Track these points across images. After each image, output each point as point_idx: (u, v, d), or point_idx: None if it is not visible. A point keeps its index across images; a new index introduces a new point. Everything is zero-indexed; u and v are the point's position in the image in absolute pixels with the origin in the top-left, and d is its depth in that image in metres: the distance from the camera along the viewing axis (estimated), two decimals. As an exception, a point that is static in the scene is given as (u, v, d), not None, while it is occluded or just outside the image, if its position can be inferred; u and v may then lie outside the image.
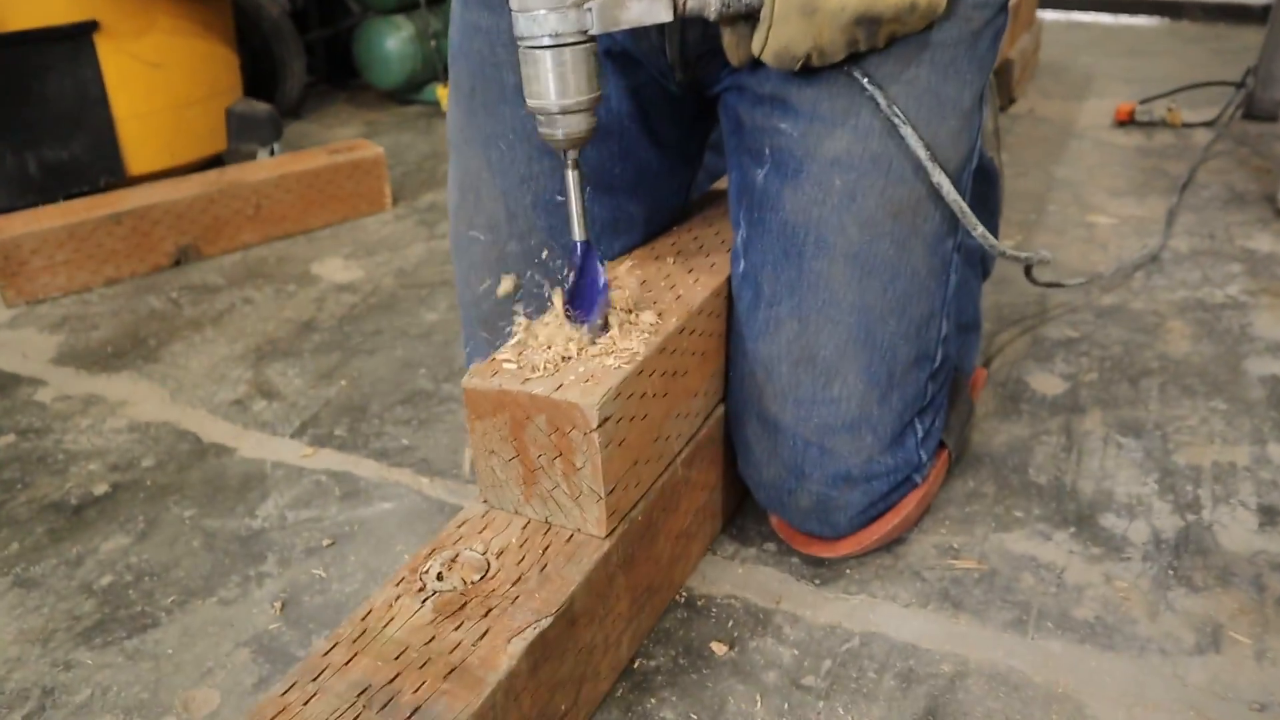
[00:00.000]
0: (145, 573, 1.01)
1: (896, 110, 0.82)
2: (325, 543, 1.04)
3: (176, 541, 1.05)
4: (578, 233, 0.80)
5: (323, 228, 1.88)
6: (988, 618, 0.90)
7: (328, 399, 1.30)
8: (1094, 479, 1.08)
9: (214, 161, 2.09)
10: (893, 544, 0.99)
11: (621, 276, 0.93)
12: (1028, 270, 1.30)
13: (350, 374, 1.36)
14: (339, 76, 2.88)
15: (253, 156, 2.08)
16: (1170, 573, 0.94)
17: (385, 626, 0.71)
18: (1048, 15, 3.55)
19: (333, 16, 2.75)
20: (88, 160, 1.87)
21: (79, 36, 1.78)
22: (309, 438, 1.22)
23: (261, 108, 2.08)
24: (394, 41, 2.54)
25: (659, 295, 0.89)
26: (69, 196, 1.84)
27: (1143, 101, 2.34)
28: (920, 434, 0.94)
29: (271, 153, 2.08)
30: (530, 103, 0.77)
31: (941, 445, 1.00)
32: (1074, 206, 1.83)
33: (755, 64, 0.84)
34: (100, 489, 1.14)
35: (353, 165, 1.88)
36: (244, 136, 2.08)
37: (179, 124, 1.96)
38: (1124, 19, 3.53)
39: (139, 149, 1.92)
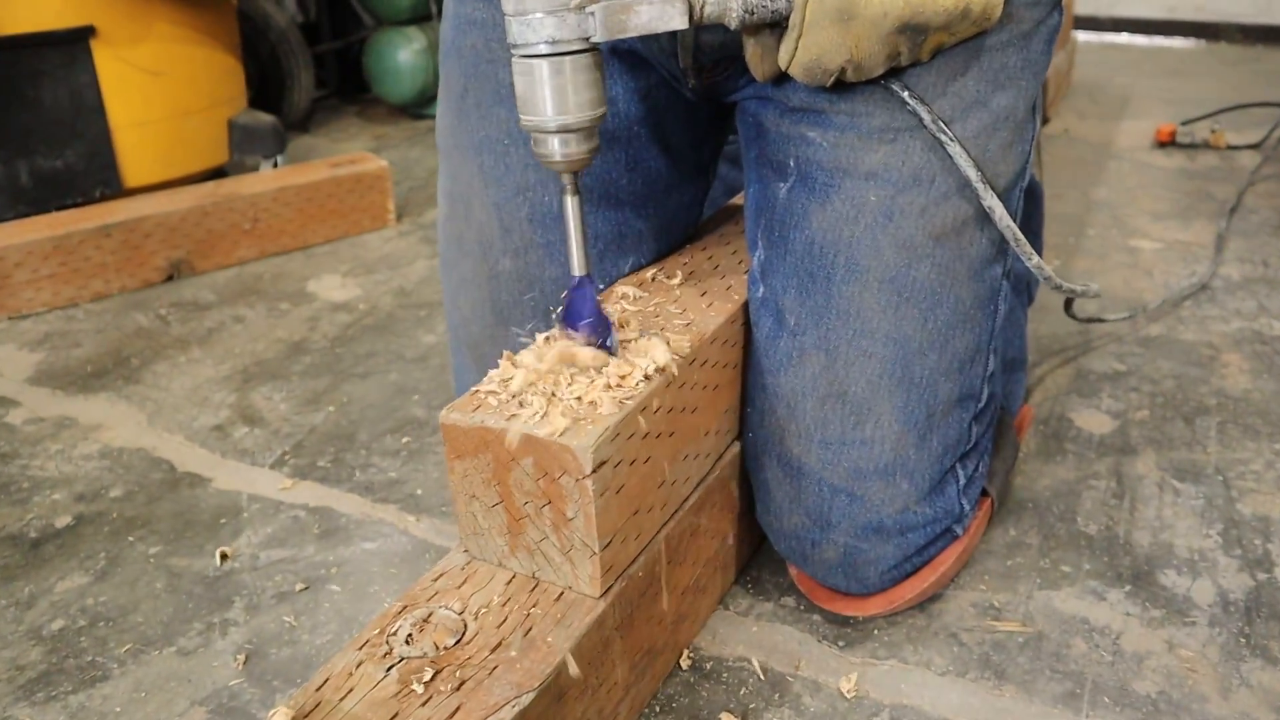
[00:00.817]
0: (101, 617, 0.92)
1: (944, 127, 0.73)
2: (298, 587, 0.94)
3: (138, 582, 0.96)
4: (577, 266, 0.71)
5: (322, 244, 1.80)
6: (1035, 690, 0.79)
7: (313, 426, 1.21)
8: (1150, 529, 0.97)
9: (215, 174, 2.02)
10: (927, 602, 0.88)
11: (626, 299, 0.83)
12: (1068, 304, 1.20)
13: (339, 399, 1.27)
14: (350, 90, 2.81)
15: (256, 169, 2.01)
16: (1242, 641, 0.83)
17: (343, 699, 0.62)
18: (1081, 36, 3.45)
19: (345, 28, 2.69)
20: (82, 170, 1.79)
21: (74, 42, 1.71)
22: (290, 468, 1.12)
23: (265, 119, 2.01)
24: (406, 54, 2.46)
25: (667, 321, 0.79)
26: (62, 208, 1.77)
27: (1184, 123, 2.23)
28: (962, 481, 0.84)
29: (275, 166, 2.01)
30: (524, 119, 0.68)
31: (984, 493, 0.90)
32: (1115, 230, 1.72)
33: (781, 77, 0.74)
34: (63, 521, 1.05)
35: (355, 179, 1.80)
36: (246, 148, 2.00)
37: (178, 134, 1.88)
38: (1160, 40, 3.43)
39: (136, 160, 1.84)
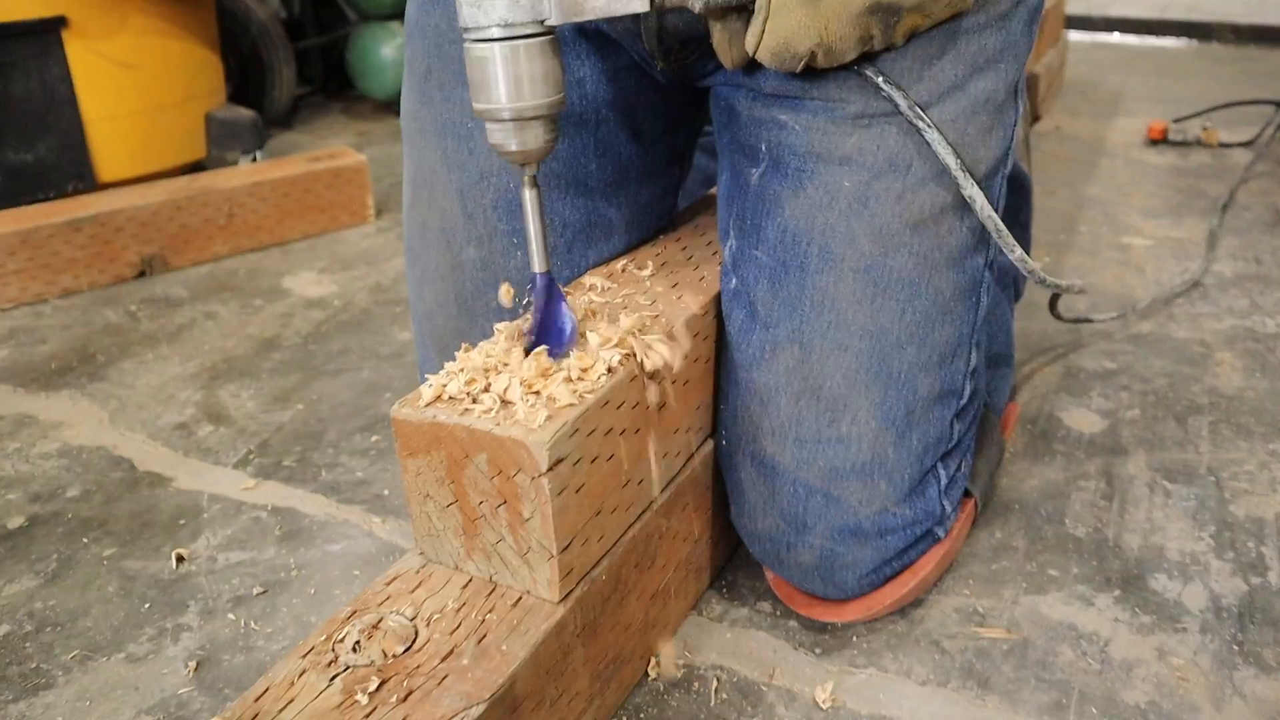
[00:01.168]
0: (49, 622, 0.88)
1: (920, 113, 0.70)
2: (256, 591, 0.90)
3: (89, 585, 0.92)
4: (537, 264, 0.67)
5: (299, 239, 1.75)
6: (1020, 700, 0.76)
7: (280, 424, 1.17)
8: (1140, 532, 0.94)
9: (193, 170, 1.98)
10: (908, 607, 0.85)
11: (594, 291, 0.80)
12: (1053, 303, 1.17)
13: (309, 397, 1.23)
14: (334, 87, 2.77)
15: (235, 165, 1.97)
16: (1235, 648, 0.80)
17: (282, 710, 0.58)
18: (1073, 35, 3.42)
19: (329, 24, 2.65)
20: (54, 164, 1.75)
21: (45, 33, 1.67)
22: (254, 468, 1.08)
23: (244, 113, 1.97)
24: (389, 49, 2.43)
25: (636, 313, 0.75)
26: (34, 203, 1.72)
27: (1176, 120, 2.20)
28: (943, 482, 0.80)
29: (254, 161, 1.97)
30: (478, 107, 0.64)
31: (967, 494, 0.86)
32: (1106, 227, 1.69)
33: (752, 64, 0.71)
34: (15, 522, 1.01)
35: (333, 173, 1.76)
36: (225, 143, 1.96)
37: (153, 129, 1.85)
38: (1151, 40, 3.40)
39: (110, 154, 1.80)
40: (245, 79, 2.32)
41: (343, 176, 1.77)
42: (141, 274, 1.62)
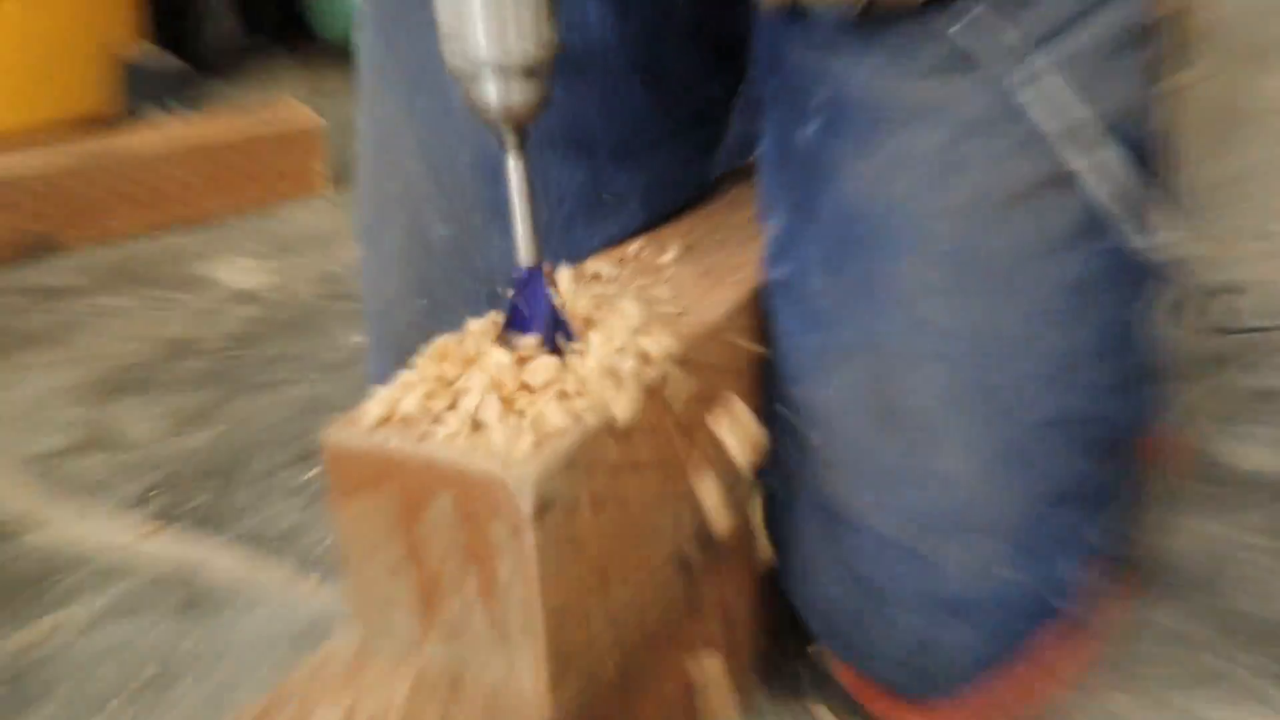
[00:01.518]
0: None
1: (1020, 63, 0.67)
2: (141, 680, 0.87)
3: (-85, 671, 0.89)
4: (524, 255, 0.64)
5: (232, 216, 1.78)
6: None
7: (192, 452, 1.16)
8: (1331, 609, 0.89)
9: (98, 127, 2.00)
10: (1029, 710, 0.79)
11: (599, 281, 0.76)
12: (1208, 308, 1.13)
13: (231, 417, 1.22)
14: (290, 31, 2.83)
15: (154, 122, 1.99)
16: None
17: None
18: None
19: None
20: (-83, 117, 1.77)
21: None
22: (153, 510, 1.07)
23: (167, 59, 2.02)
24: (352, -17, 2.42)
25: (655, 310, 0.71)
26: (-104, 167, 1.73)
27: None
28: (1071, 537, 0.75)
29: (179, 118, 1.99)
30: (450, 61, 0.62)
31: (1107, 555, 0.81)
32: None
33: (796, 10, 0.69)
34: None
35: (277, 136, 1.79)
36: (142, 94, 2.02)
37: (44, 74, 1.88)
38: None
39: (-8, 105, 1.82)
40: (172, 17, 2.34)
41: (289, 138, 1.80)
42: (27, 256, 1.63)
